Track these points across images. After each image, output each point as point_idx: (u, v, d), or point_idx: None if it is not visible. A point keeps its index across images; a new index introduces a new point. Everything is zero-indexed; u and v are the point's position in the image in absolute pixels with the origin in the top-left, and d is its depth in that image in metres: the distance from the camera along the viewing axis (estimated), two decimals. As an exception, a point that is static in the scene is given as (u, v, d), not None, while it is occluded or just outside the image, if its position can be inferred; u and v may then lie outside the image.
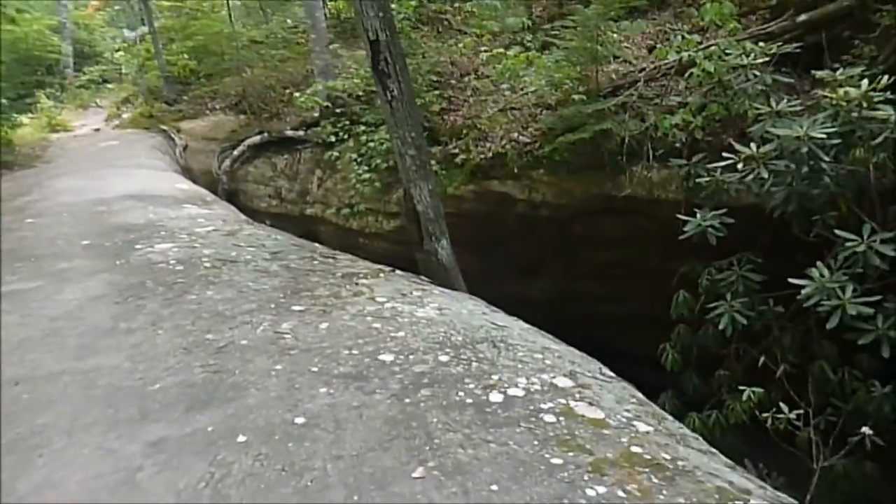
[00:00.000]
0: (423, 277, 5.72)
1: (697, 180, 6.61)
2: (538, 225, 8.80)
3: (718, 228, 6.28)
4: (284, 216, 10.90)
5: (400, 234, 9.54)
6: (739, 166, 5.57)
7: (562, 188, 8.04)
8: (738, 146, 5.68)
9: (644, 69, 8.22)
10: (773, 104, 5.75)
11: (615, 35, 8.20)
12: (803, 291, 5.31)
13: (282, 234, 6.97)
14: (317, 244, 6.74)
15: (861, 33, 6.96)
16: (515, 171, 8.29)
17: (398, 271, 5.65)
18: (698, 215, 6.42)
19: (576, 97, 7.27)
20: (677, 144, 7.45)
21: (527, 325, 4.66)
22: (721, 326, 6.31)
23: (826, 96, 6.31)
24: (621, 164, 7.67)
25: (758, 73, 6.26)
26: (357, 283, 5.00)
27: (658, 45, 8.45)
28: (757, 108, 5.94)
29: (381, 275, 5.35)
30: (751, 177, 5.47)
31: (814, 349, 6.71)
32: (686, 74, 7.49)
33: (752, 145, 5.60)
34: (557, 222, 8.55)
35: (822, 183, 5.56)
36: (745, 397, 6.80)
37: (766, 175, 5.42)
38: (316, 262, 5.63)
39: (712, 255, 7.74)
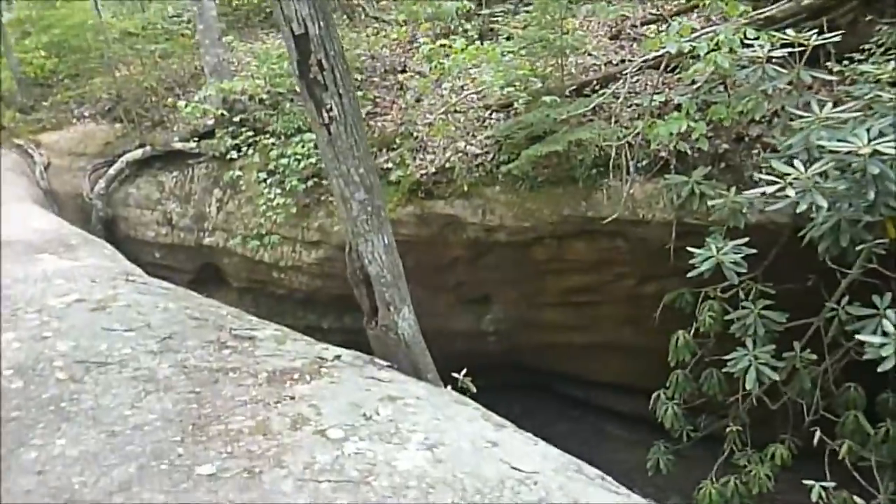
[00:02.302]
0: (377, 360, 4.16)
1: (710, 203, 5.35)
2: (492, 250, 7.39)
3: (738, 263, 5.06)
4: (177, 247, 8.99)
5: (323, 266, 7.90)
6: (788, 192, 4.28)
7: (524, 209, 6.64)
8: (778, 165, 4.41)
9: (615, 62, 6.92)
10: (817, 108, 4.50)
11: (575, 21, 6.84)
12: (881, 353, 4.12)
13: (173, 295, 5.19)
14: (225, 310, 5.02)
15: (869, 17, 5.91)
16: (465, 188, 6.81)
17: (344, 356, 4.07)
18: (711, 245, 5.16)
19: (546, 99, 5.84)
20: (662, 154, 6.19)
21: (559, 455, 3.23)
22: (749, 386, 5.09)
23: (849, 95, 5.20)
24: (595, 179, 6.34)
25: (779, 68, 5.03)
26: (292, 395, 3.40)
27: (623, 33, 7.17)
28: (792, 113, 4.70)
29: (324, 370, 3.76)
30: (804, 206, 4.20)
31: (835, 393, 5.66)
32: (670, 68, 6.23)
33: (797, 163, 4.35)
34: (516, 246, 7.16)
35: (877, 207, 4.39)
36: (769, 455, 5.69)
37: (823, 203, 4.16)
38: (226, 352, 3.95)
39: (701, 278, 6.60)
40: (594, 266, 7.28)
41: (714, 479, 5.76)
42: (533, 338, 8.55)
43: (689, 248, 5.21)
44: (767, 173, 4.51)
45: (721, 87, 6.03)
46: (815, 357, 5.31)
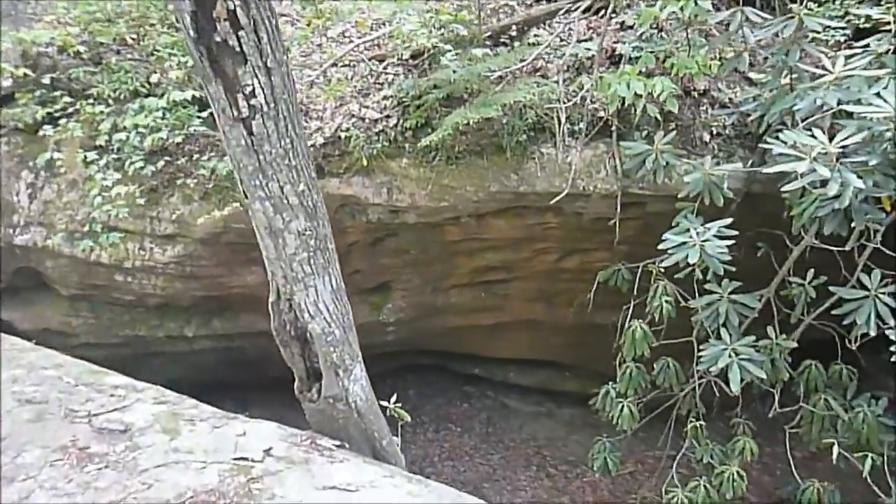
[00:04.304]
0: (320, 442, 2.93)
1: (681, 174, 4.51)
2: (396, 233, 6.21)
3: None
4: (-22, 250, 6.91)
5: (183, 264, 6.33)
6: (802, 168, 3.47)
7: (440, 186, 5.48)
8: (798, 135, 3.59)
9: (528, 3, 5.84)
10: (829, 64, 3.70)
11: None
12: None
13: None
14: (69, 370, 3.50)
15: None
16: (364, 162, 5.53)
17: (275, 445, 2.81)
18: (688, 227, 4.34)
19: (477, 51, 4.65)
20: (601, 114, 5.28)
21: None
22: (735, 388, 4.40)
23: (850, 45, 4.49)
24: (525, 147, 5.32)
25: (759, 11, 4.20)
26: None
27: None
28: (797, 69, 3.88)
29: (256, 487, 2.49)
30: (835, 187, 3.41)
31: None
32: (604, 11, 5.27)
33: (818, 133, 3.55)
34: (426, 228, 6.04)
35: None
36: (737, 451, 5.13)
37: (860, 184, 3.39)
38: (92, 471, 2.54)
39: (635, 250, 5.91)
40: (513, 243, 6.34)
41: (680, 484, 5.13)
42: (436, 323, 7.56)
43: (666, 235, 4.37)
44: (774, 143, 3.69)
45: (661, 36, 5.20)
46: (795, 345, 4.73)
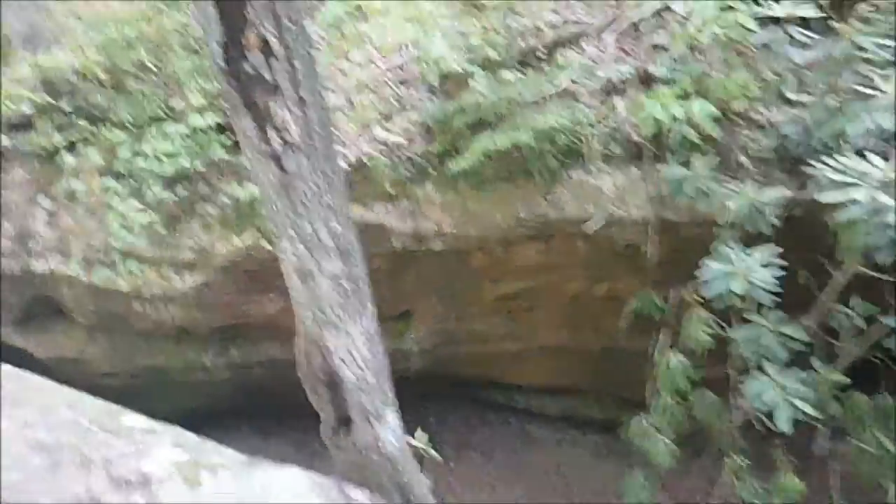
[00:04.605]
0: (347, 489, 2.74)
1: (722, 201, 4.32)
2: (420, 261, 6.04)
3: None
4: (-6, 277, 6.81)
5: (201, 294, 6.19)
6: (860, 195, 3.28)
7: (467, 213, 5.33)
8: (853, 159, 3.40)
9: (555, 23, 5.70)
10: (883, 84, 3.52)
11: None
12: None
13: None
14: (84, 409, 3.33)
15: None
16: (388, 189, 5.38)
17: (301, 491, 2.63)
18: (734, 259, 4.14)
19: (507, 74, 4.52)
20: (634, 137, 5.11)
21: None
22: (785, 428, 4.17)
23: None
24: (555, 172, 5.16)
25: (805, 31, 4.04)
26: None
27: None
28: (850, 90, 3.70)
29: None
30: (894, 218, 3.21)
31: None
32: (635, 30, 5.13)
33: (876, 158, 3.37)
34: (451, 255, 5.87)
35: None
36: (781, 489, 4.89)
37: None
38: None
39: (665, 275, 5.70)
40: (540, 269, 6.16)
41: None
42: (459, 351, 7.38)
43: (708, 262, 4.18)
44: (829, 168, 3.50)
45: (696, 57, 5.03)
46: (847, 380, 4.50)
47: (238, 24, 1.82)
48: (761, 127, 5.08)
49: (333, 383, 2.66)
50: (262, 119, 1.98)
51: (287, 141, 2.01)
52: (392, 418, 2.79)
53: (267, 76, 1.91)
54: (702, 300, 5.12)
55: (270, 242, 2.36)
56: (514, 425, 9.33)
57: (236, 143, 5.51)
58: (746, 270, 4.03)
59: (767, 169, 5.10)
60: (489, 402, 9.20)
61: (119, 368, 7.03)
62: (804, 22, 4.57)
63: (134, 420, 3.31)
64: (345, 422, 2.78)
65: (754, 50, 4.43)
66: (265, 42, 1.86)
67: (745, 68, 4.36)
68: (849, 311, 4.67)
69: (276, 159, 2.04)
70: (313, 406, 3.12)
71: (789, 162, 5.08)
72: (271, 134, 2.00)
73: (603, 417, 8.51)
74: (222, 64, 1.89)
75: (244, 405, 7.82)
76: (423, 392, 8.80)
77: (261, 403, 7.76)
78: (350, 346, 2.51)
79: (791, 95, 4.95)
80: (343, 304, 2.43)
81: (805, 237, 5.06)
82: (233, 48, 1.86)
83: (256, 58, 1.87)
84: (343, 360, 2.53)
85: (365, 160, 5.40)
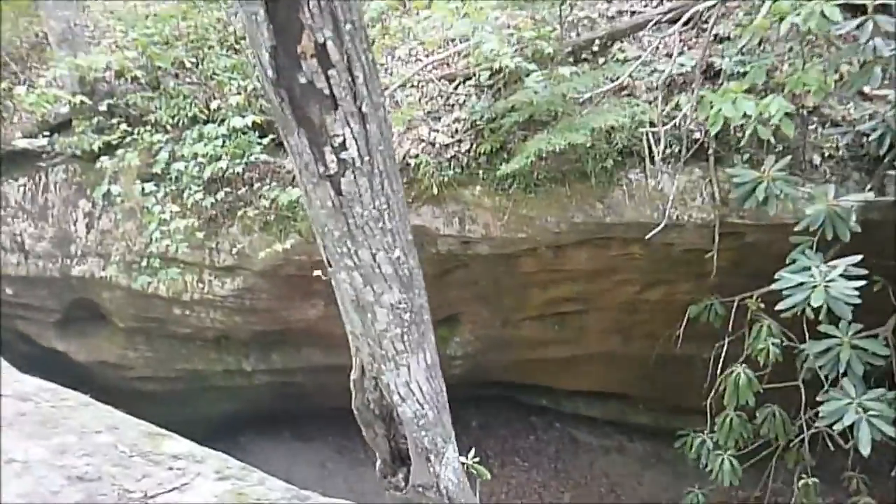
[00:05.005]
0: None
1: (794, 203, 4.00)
2: (466, 264, 5.80)
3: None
4: (35, 280, 6.75)
5: (243, 298, 6.03)
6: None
7: (517, 216, 5.06)
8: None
9: (609, 14, 5.40)
10: None
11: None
12: None
13: (31, 419, 3.25)
14: (123, 434, 3.15)
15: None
16: (435, 190, 5.15)
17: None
18: (808, 265, 3.82)
19: (565, 71, 4.23)
20: (696, 136, 4.80)
21: None
22: (864, 450, 3.84)
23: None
24: (611, 173, 4.86)
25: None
26: None
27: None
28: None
29: None
30: None
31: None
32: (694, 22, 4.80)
33: None
34: (499, 259, 5.61)
35: None
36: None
37: None
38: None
39: (726, 282, 5.39)
40: (591, 274, 5.88)
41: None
42: (505, 356, 7.14)
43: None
44: None
45: (764, 49, 4.70)
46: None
47: (291, 28, 1.57)
48: (836, 124, 4.73)
49: (389, 418, 2.44)
50: (317, 136, 1.73)
51: (345, 160, 1.76)
52: (451, 454, 2.56)
53: (323, 87, 1.66)
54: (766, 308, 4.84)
55: (323, 270, 2.12)
56: (559, 430, 9.05)
57: (278, 144, 5.33)
58: (827, 282, 3.70)
59: (842, 168, 4.76)
60: (534, 406, 8.94)
61: (159, 373, 6.93)
62: (885, 9, 4.21)
63: (175, 445, 3.13)
64: (401, 459, 2.57)
65: (833, 41, 4.08)
66: (322, 48, 1.60)
67: (823, 61, 4.00)
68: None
69: (333, 181, 1.79)
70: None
71: (867, 161, 4.73)
72: (327, 154, 1.75)
73: (651, 423, 8.22)
74: (272, 74, 1.64)
75: (285, 410, 7.68)
76: (466, 396, 8.58)
77: (302, 408, 7.62)
78: (409, 380, 2.29)
79: (867, 90, 4.60)
80: (403, 336, 2.20)
81: (880, 242, 4.71)
82: (284, 56, 1.61)
83: (311, 67, 1.63)
84: (401, 396, 2.31)
85: (409, 160, 5.16)
